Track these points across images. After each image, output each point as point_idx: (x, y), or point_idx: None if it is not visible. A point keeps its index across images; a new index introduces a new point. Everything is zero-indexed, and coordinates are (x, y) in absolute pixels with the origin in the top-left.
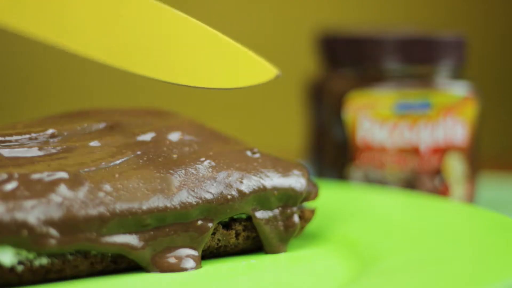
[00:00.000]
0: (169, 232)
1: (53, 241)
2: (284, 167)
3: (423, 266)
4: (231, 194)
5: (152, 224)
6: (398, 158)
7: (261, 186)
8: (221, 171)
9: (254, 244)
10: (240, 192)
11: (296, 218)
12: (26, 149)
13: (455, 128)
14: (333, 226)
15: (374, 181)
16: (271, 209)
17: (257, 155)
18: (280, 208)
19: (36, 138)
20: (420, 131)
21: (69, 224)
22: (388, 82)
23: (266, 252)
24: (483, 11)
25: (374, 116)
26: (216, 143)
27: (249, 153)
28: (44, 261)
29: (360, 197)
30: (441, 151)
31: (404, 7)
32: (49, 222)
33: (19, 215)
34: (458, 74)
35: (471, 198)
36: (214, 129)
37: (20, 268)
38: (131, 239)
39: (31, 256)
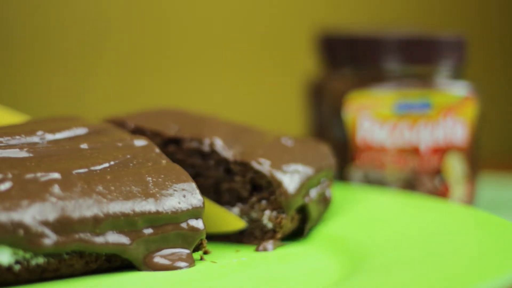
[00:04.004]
0: (162, 232)
1: (48, 241)
2: (315, 146)
3: (413, 264)
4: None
5: (144, 225)
6: (398, 158)
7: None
8: None
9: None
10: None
11: (328, 193)
12: (17, 150)
13: (455, 128)
14: (324, 223)
15: (374, 181)
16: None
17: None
18: (319, 187)
19: (25, 139)
20: (420, 131)
21: (64, 224)
22: (388, 82)
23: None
24: (483, 11)
25: (374, 116)
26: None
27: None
28: (40, 260)
29: (354, 196)
30: (441, 151)
31: (404, 7)
32: (44, 222)
33: (15, 215)
34: (458, 74)
35: (471, 198)
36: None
37: (17, 267)
38: (124, 239)
39: (27, 255)
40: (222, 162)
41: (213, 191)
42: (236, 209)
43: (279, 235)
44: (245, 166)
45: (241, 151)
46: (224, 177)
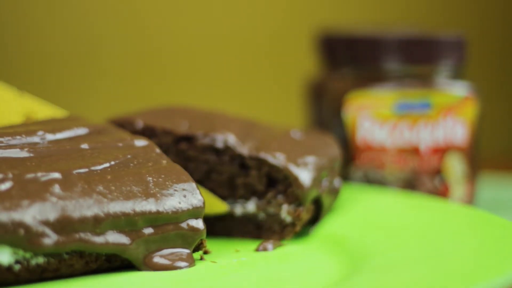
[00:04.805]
0: (162, 232)
1: (48, 241)
2: (322, 138)
3: (413, 264)
4: None
5: (145, 225)
6: (398, 158)
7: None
8: None
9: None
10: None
11: (337, 182)
12: (17, 150)
13: (455, 128)
14: (324, 223)
15: (374, 181)
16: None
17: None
18: (329, 177)
19: (25, 140)
20: (420, 131)
21: (64, 224)
22: (388, 82)
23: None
24: (483, 11)
25: (374, 116)
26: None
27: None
28: (40, 260)
29: (354, 196)
30: (441, 151)
31: (404, 7)
32: (45, 222)
33: (16, 215)
34: (458, 74)
35: (471, 198)
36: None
37: (17, 267)
38: (124, 239)
39: (28, 255)
40: (237, 157)
41: (228, 186)
42: (251, 204)
43: (298, 228)
44: (260, 161)
45: (254, 146)
46: (239, 172)
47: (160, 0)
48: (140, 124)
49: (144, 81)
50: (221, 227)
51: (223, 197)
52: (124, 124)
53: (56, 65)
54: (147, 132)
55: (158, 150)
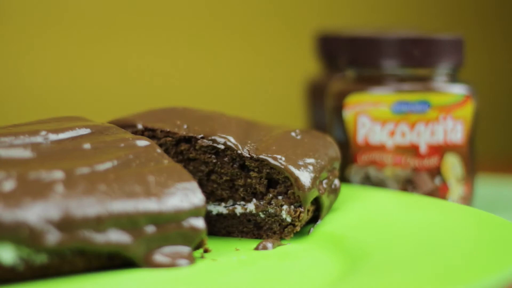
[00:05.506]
0: (163, 231)
1: (51, 239)
2: (321, 137)
3: (412, 263)
4: None
5: (146, 223)
6: (398, 158)
7: (328, 159)
8: None
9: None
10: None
11: (336, 182)
12: (21, 149)
13: (454, 128)
14: (323, 223)
15: (374, 181)
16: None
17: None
18: (329, 178)
19: (29, 139)
20: (419, 131)
21: (67, 222)
22: (387, 82)
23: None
24: (481, 12)
25: (374, 117)
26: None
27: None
28: (43, 258)
29: (354, 196)
30: (440, 151)
31: (403, 9)
32: (48, 221)
33: (19, 213)
34: (456, 75)
35: (469, 198)
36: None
37: (20, 265)
38: (126, 238)
39: (30, 253)
40: (237, 158)
41: (228, 188)
42: (252, 204)
43: (298, 228)
44: (261, 162)
45: (255, 147)
46: (239, 174)
47: None
48: (140, 126)
49: (144, 81)
50: (221, 227)
51: (223, 199)
52: (124, 126)
53: (55, 67)
54: (147, 134)
55: (159, 150)
